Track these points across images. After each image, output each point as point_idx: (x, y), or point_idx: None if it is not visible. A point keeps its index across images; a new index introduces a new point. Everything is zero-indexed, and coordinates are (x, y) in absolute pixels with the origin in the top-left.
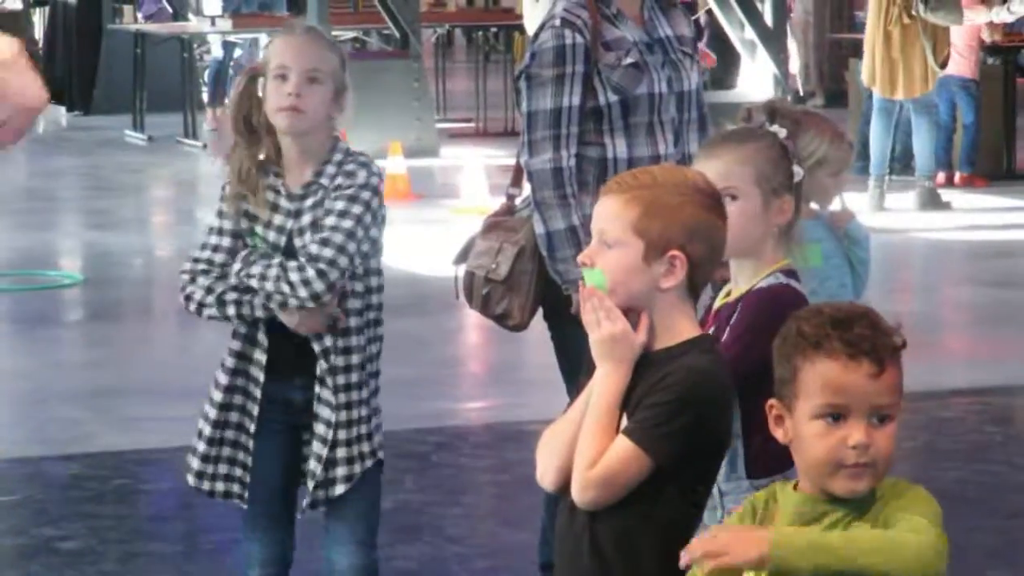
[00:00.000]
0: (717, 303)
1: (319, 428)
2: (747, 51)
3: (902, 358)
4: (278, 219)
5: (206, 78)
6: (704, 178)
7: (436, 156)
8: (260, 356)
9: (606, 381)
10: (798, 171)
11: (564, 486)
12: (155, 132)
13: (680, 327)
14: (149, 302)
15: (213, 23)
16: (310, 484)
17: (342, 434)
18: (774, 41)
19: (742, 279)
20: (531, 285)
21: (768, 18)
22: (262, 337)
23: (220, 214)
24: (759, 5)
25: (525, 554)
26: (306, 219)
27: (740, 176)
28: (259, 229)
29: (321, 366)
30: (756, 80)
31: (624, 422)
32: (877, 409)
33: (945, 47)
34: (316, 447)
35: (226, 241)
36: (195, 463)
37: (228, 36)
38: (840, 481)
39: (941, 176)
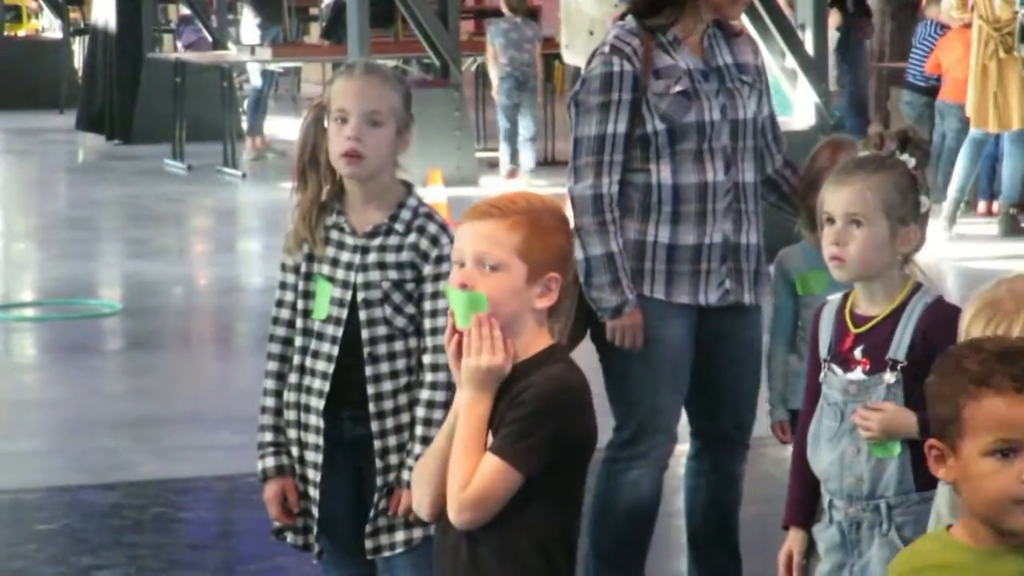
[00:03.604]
0: (852, 326)
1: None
2: (788, 80)
3: None
4: (345, 256)
5: (246, 107)
6: (562, 206)
7: (476, 185)
8: None
9: (474, 408)
10: (925, 201)
11: (440, 515)
12: (194, 161)
13: (537, 341)
14: (189, 331)
15: (253, 52)
16: None
17: None
18: (815, 70)
19: (875, 301)
20: (572, 311)
21: (809, 47)
22: None
23: (283, 267)
24: (800, 34)
25: None
26: (372, 257)
27: (869, 204)
28: (325, 269)
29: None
30: (797, 109)
31: (491, 440)
32: None
33: None
34: None
35: (289, 295)
36: None
37: (268, 65)
38: (1016, 517)
39: (982, 205)
